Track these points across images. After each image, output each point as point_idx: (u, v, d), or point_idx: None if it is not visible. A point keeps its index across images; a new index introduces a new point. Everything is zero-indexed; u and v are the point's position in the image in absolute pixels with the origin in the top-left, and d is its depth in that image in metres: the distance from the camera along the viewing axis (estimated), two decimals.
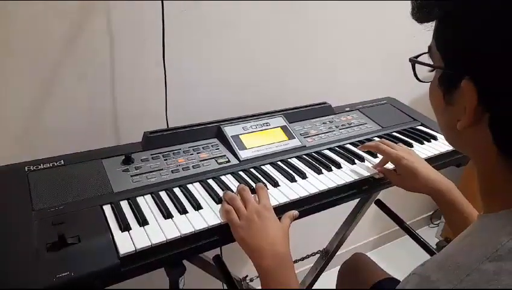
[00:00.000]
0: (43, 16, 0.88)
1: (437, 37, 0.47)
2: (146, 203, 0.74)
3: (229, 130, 0.95)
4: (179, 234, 0.66)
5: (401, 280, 0.93)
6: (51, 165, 0.79)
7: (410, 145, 1.03)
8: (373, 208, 1.21)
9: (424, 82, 0.53)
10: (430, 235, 2.16)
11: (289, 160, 0.92)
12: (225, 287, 1.17)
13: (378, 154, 0.94)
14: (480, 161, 0.48)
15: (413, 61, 0.53)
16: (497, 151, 0.43)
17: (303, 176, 0.85)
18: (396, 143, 1.02)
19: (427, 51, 0.50)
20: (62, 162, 0.80)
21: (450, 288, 0.38)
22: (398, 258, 1.91)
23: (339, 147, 1.00)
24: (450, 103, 0.46)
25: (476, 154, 0.48)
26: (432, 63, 0.49)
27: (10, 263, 0.58)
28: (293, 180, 0.84)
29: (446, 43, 0.46)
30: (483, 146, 0.44)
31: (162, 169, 0.83)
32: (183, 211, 0.71)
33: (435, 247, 1.07)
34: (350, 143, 1.02)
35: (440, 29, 0.46)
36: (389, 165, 0.89)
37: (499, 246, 0.39)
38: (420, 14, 0.47)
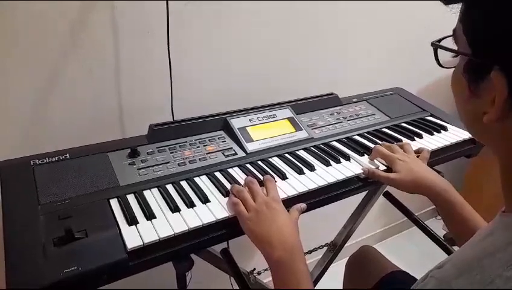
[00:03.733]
0: (48, 10, 0.87)
1: (464, 20, 0.43)
2: (153, 196, 0.73)
3: (236, 122, 0.94)
4: (187, 228, 0.65)
5: (409, 272, 0.92)
6: (57, 159, 0.78)
7: (420, 136, 1.01)
8: (379, 200, 1.19)
9: (447, 68, 0.49)
10: (437, 227, 2.11)
11: (297, 152, 0.91)
12: (233, 280, 1.17)
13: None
14: (505, 155, 0.45)
15: (436, 45, 0.49)
16: None
17: (311, 168, 0.84)
18: (405, 134, 1.01)
19: (451, 33, 0.46)
20: (68, 155, 0.79)
21: None
22: (405, 250, 1.90)
23: (347, 138, 0.99)
24: (475, 94, 0.43)
25: (501, 148, 0.46)
26: (455, 47, 0.45)
27: (17, 258, 0.58)
28: (301, 172, 0.82)
29: (475, 28, 0.42)
30: (509, 140, 0.42)
31: (168, 162, 0.82)
32: (190, 204, 0.70)
33: (442, 239, 1.06)
34: (358, 134, 1.01)
35: (469, 11, 0.42)
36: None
37: None
38: None
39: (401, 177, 0.81)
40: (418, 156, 0.87)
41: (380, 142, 0.96)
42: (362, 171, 0.84)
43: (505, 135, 0.43)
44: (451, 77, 0.48)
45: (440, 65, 0.51)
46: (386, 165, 0.87)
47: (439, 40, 0.49)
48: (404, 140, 0.98)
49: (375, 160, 0.89)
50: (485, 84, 0.41)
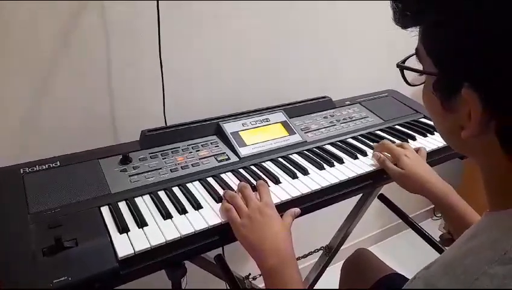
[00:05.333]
0: (37, 14, 0.86)
1: (425, 42, 0.42)
2: (145, 203, 0.72)
3: (229, 127, 0.93)
4: (179, 235, 0.64)
5: (404, 275, 0.92)
6: (47, 167, 0.77)
7: (413, 138, 1.01)
8: (374, 202, 1.19)
9: (416, 85, 0.48)
10: (433, 227, 2.14)
11: (290, 156, 0.91)
12: (228, 286, 1.16)
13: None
14: (486, 164, 0.45)
15: (401, 66, 0.48)
16: (505, 155, 0.40)
17: (304, 172, 0.83)
18: (399, 136, 1.01)
19: (414, 52, 0.45)
20: (58, 163, 0.78)
21: None
22: (401, 252, 1.90)
23: (340, 141, 0.98)
24: (449, 110, 0.42)
25: (481, 158, 0.45)
26: (421, 66, 0.44)
27: (6, 268, 0.57)
28: (294, 176, 0.82)
29: (438, 49, 0.41)
30: (490, 151, 0.41)
31: (160, 168, 0.81)
32: (182, 211, 0.70)
33: (438, 240, 1.06)
34: (352, 137, 1.01)
35: (430, 33, 0.42)
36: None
37: (508, 248, 0.37)
38: (404, 19, 0.42)
39: (405, 174, 0.81)
40: None
41: (373, 145, 0.96)
42: (373, 155, 0.87)
43: (483, 146, 0.42)
44: (422, 94, 0.47)
45: (408, 84, 0.51)
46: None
47: (404, 61, 0.49)
48: (398, 142, 0.98)
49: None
50: (458, 100, 0.40)
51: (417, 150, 0.90)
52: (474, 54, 0.37)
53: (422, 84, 0.47)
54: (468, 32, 0.37)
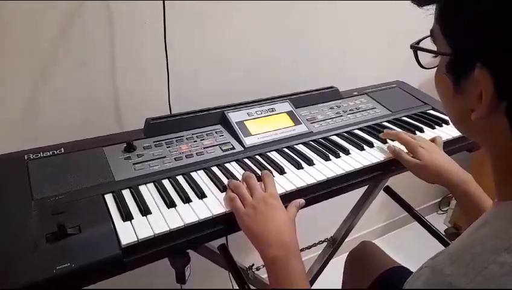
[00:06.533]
0: (40, 3, 0.85)
1: (441, 20, 0.43)
2: (149, 192, 0.71)
3: (234, 116, 0.92)
4: (183, 224, 0.64)
5: (409, 268, 0.91)
6: (51, 154, 0.77)
7: (421, 130, 0.99)
8: (380, 195, 1.18)
9: (429, 68, 0.49)
10: (439, 221, 2.13)
11: (296, 146, 0.90)
12: (231, 276, 1.16)
13: (389, 141, 0.91)
14: (495, 149, 0.45)
15: (415, 47, 0.49)
16: None
17: (310, 162, 0.82)
18: (406, 128, 1.00)
19: (429, 34, 0.46)
20: (62, 150, 0.78)
21: (465, 282, 0.35)
22: (406, 245, 1.89)
23: (347, 132, 0.97)
24: (460, 92, 0.43)
25: (490, 142, 0.45)
26: (435, 48, 0.45)
27: (9, 254, 0.56)
28: (299, 167, 0.81)
29: (453, 28, 0.41)
30: (499, 134, 0.41)
31: (164, 157, 0.80)
32: (186, 199, 0.69)
33: (443, 233, 1.05)
34: (358, 128, 0.99)
35: (445, 11, 0.42)
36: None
37: None
38: None
39: (423, 164, 0.80)
40: None
41: (384, 131, 0.95)
42: (387, 148, 0.86)
43: (492, 129, 0.42)
44: (435, 77, 0.47)
45: (421, 66, 0.52)
46: None
47: (418, 42, 0.49)
48: (410, 135, 0.96)
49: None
50: (470, 81, 0.41)
51: (433, 140, 0.89)
52: (488, 33, 0.37)
53: (435, 68, 0.47)
54: (484, 10, 0.37)
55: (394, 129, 0.99)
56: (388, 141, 0.91)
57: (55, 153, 0.77)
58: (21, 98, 0.91)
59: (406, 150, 0.85)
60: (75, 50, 0.93)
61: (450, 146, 0.95)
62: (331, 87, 1.11)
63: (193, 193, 0.71)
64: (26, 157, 0.75)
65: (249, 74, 1.21)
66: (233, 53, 1.15)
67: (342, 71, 1.40)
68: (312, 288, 1.08)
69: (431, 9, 0.44)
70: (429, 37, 0.46)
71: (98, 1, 0.91)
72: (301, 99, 1.04)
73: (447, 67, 0.43)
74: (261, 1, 1.13)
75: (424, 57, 0.50)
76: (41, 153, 0.76)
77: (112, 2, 0.92)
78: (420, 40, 0.49)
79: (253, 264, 1.14)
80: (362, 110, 1.07)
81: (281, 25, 1.20)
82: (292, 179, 0.77)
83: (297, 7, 1.21)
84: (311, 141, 0.92)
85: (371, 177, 0.84)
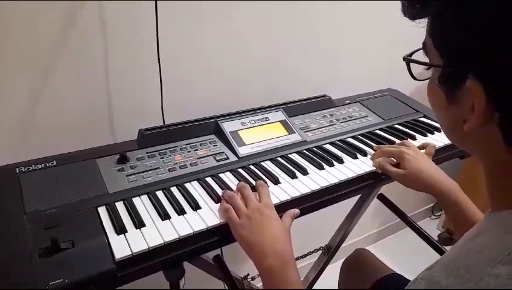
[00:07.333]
0: (35, 13, 0.85)
1: (433, 33, 0.43)
2: (142, 204, 0.71)
3: (227, 126, 0.92)
4: (177, 236, 0.63)
5: (403, 274, 0.91)
6: (43, 166, 0.76)
7: (413, 138, 1.00)
8: (373, 201, 1.18)
9: (422, 80, 0.49)
10: (432, 227, 2.14)
11: (289, 155, 0.90)
12: (226, 286, 1.15)
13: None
14: (488, 159, 0.46)
15: (408, 60, 0.49)
16: (507, 148, 0.41)
17: (304, 172, 0.82)
18: (399, 136, 1.00)
19: (421, 46, 0.46)
20: (54, 162, 0.77)
21: None
22: (400, 251, 1.90)
23: (340, 141, 0.97)
24: (453, 103, 0.43)
25: (483, 152, 0.46)
26: (427, 60, 0.45)
27: (1, 269, 0.56)
28: (294, 176, 0.81)
29: (445, 40, 0.42)
30: (492, 144, 0.42)
31: (158, 168, 0.80)
32: (181, 211, 0.69)
33: (436, 239, 1.05)
34: (352, 137, 1.00)
35: (437, 24, 0.43)
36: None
37: None
38: (413, 10, 0.43)
39: (409, 173, 0.80)
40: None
41: (373, 144, 0.95)
42: (373, 164, 0.86)
43: (485, 139, 0.42)
44: (427, 88, 0.48)
45: (414, 78, 0.52)
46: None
47: (411, 54, 0.50)
48: (398, 142, 0.97)
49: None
50: (462, 92, 0.41)
51: (425, 146, 0.90)
52: (480, 44, 0.38)
53: (427, 80, 0.48)
54: (475, 22, 0.38)
55: (386, 137, 1.00)
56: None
57: (48, 165, 0.76)
58: (16, 109, 0.90)
59: (395, 161, 0.85)
60: (69, 61, 0.92)
61: (442, 153, 0.96)
62: (324, 96, 1.12)
63: (187, 204, 0.71)
64: (17, 170, 0.74)
65: (243, 83, 1.21)
66: (227, 63, 1.15)
67: (335, 80, 1.41)
68: None
69: (423, 22, 0.44)
70: (421, 50, 0.47)
71: (94, 12, 0.91)
72: (294, 108, 1.04)
73: (440, 79, 0.44)
74: (256, 11, 1.13)
75: (417, 68, 0.50)
76: (33, 166, 0.75)
77: (106, 12, 0.92)
78: (413, 53, 0.50)
79: (248, 274, 1.14)
80: (355, 119, 1.08)
81: (275, 35, 1.21)
82: (286, 188, 0.77)
83: (292, 17, 1.22)
84: (304, 150, 0.92)
85: (364, 186, 0.85)
